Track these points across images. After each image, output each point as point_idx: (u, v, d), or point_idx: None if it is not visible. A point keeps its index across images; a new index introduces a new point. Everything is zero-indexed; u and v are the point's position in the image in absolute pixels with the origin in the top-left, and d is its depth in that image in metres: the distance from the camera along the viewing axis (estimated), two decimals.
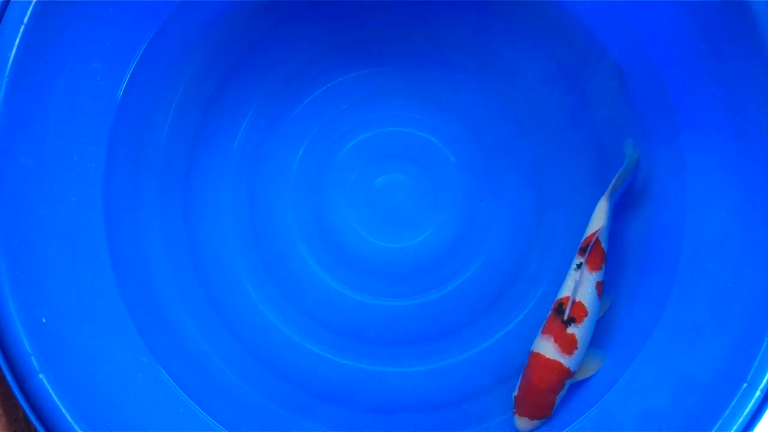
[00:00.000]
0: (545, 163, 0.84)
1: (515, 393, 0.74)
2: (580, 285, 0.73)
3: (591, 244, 0.74)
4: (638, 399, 0.69)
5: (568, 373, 0.72)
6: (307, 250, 0.85)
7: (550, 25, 0.80)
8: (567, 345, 0.72)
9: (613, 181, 0.75)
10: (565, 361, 0.72)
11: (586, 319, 0.73)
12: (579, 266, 0.74)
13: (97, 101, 0.71)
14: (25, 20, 0.61)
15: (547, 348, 0.72)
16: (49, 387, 0.60)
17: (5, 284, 0.60)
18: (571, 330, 0.72)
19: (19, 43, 0.60)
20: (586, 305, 0.73)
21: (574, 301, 0.73)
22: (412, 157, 0.86)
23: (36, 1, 0.61)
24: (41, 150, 0.65)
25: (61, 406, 0.60)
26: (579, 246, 0.76)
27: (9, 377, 0.60)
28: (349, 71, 0.86)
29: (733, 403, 0.60)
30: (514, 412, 0.74)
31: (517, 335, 0.82)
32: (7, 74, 0.60)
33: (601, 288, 0.75)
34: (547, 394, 0.72)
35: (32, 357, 0.60)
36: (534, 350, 0.74)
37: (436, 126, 0.87)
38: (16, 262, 0.62)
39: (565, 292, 0.74)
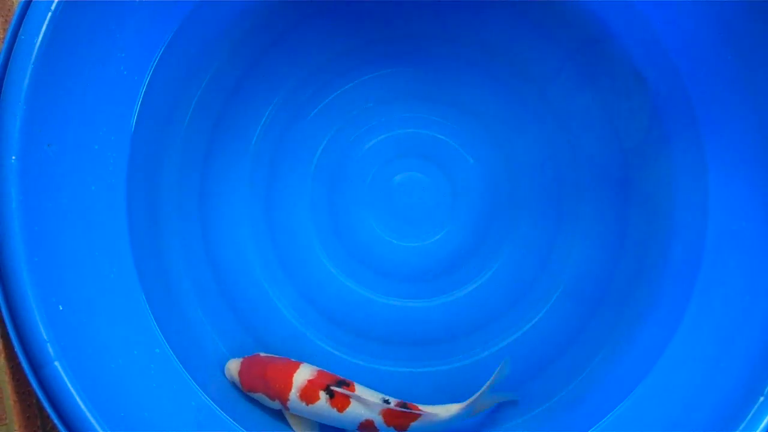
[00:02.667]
0: (566, 167, 0.84)
1: None
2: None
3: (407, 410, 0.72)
4: (653, 410, 0.69)
5: None
6: (322, 247, 0.86)
7: (574, 29, 0.80)
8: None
9: (476, 396, 0.73)
10: None
11: None
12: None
13: (121, 92, 0.71)
14: (53, 8, 0.61)
15: None
16: (63, 374, 0.60)
17: (24, 271, 0.60)
18: None
19: (45, 31, 0.60)
20: None
21: None
22: (431, 158, 0.86)
23: None
24: (64, 138, 0.65)
25: (74, 394, 0.60)
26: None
27: (24, 363, 0.60)
28: (369, 71, 0.86)
29: (749, 417, 0.60)
30: None
31: (533, 337, 0.81)
32: (33, 62, 0.60)
33: None
34: None
35: (48, 344, 0.60)
36: None
37: (456, 128, 0.87)
38: (35, 249, 0.61)
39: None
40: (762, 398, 0.60)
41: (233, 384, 0.77)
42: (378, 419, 0.72)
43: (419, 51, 0.86)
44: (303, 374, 0.74)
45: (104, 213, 0.70)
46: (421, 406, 0.73)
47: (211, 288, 0.81)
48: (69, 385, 0.60)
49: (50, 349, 0.60)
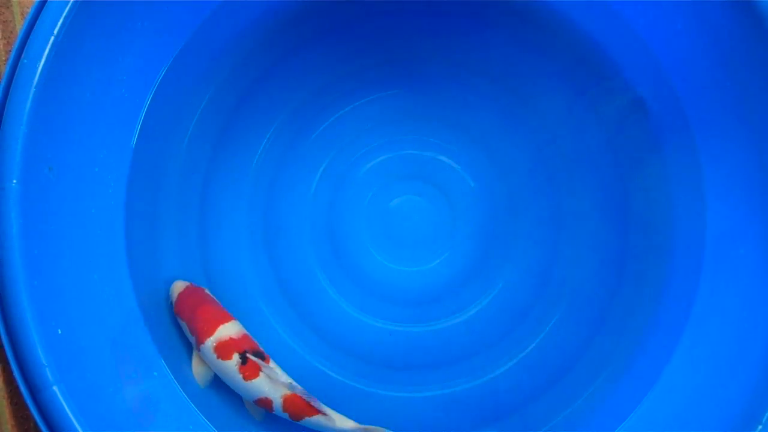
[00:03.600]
0: (565, 190, 0.84)
1: None
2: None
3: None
4: None
5: None
6: (321, 270, 0.86)
7: (573, 53, 0.80)
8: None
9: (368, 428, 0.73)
10: None
11: None
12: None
13: (121, 114, 0.71)
14: (55, 32, 0.61)
15: None
16: (62, 399, 0.60)
17: (23, 294, 0.60)
18: None
19: (47, 55, 0.61)
20: None
21: None
22: (431, 180, 0.86)
23: (65, 15, 0.61)
24: (65, 161, 0.65)
25: (72, 419, 0.60)
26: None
27: (22, 387, 0.60)
28: (369, 93, 0.87)
29: None
30: None
31: (533, 362, 0.81)
32: (34, 85, 0.60)
33: None
34: None
35: (47, 368, 0.60)
36: None
37: (456, 150, 0.87)
38: (35, 272, 0.61)
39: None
40: (760, 427, 0.60)
41: (170, 302, 0.77)
42: (277, 401, 0.72)
43: (419, 73, 0.86)
44: (228, 329, 0.74)
45: (103, 236, 0.70)
46: (323, 406, 0.72)
47: None
48: (67, 410, 0.60)
49: (49, 374, 0.60)
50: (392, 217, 0.86)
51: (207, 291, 0.78)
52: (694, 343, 0.71)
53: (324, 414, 0.72)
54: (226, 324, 0.74)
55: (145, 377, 0.70)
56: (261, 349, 0.75)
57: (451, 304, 0.85)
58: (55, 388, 0.60)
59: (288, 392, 0.72)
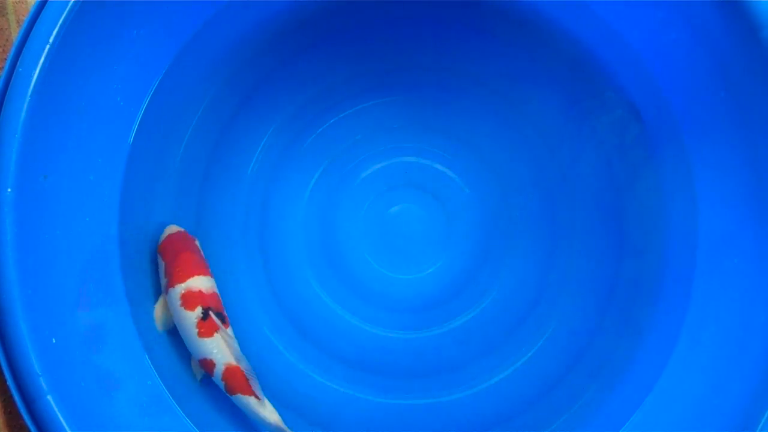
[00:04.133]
0: (560, 200, 0.84)
1: None
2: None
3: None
4: None
5: None
6: (315, 277, 0.85)
7: (568, 63, 0.80)
8: None
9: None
10: None
11: None
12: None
13: (117, 121, 0.71)
14: (50, 40, 0.61)
15: None
16: (56, 409, 0.60)
17: (17, 303, 0.60)
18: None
19: (42, 64, 0.60)
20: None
21: None
22: (427, 188, 0.86)
23: (61, 23, 0.61)
24: (60, 169, 0.65)
25: (67, 428, 0.60)
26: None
27: (17, 397, 0.60)
28: (365, 100, 0.87)
29: None
30: None
31: (526, 373, 0.81)
32: (29, 94, 0.60)
33: None
34: None
35: (41, 378, 0.60)
36: None
37: (452, 158, 0.87)
38: (29, 281, 0.61)
39: None
40: None
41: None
42: (219, 367, 0.71)
43: (416, 81, 0.86)
44: (201, 282, 0.74)
45: (98, 245, 0.70)
46: (259, 391, 0.71)
47: None
48: (62, 420, 0.60)
49: (43, 383, 0.60)
50: (388, 224, 0.86)
51: (197, 244, 0.78)
52: (688, 353, 0.71)
53: (257, 398, 0.71)
54: (201, 277, 0.74)
55: (138, 387, 0.70)
56: (225, 313, 0.75)
57: (445, 311, 0.85)
58: (49, 397, 0.60)
59: (233, 363, 0.71)
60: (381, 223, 0.86)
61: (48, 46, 0.61)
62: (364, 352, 0.84)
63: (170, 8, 0.70)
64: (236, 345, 0.73)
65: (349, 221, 0.86)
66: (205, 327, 0.72)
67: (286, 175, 0.86)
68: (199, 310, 0.72)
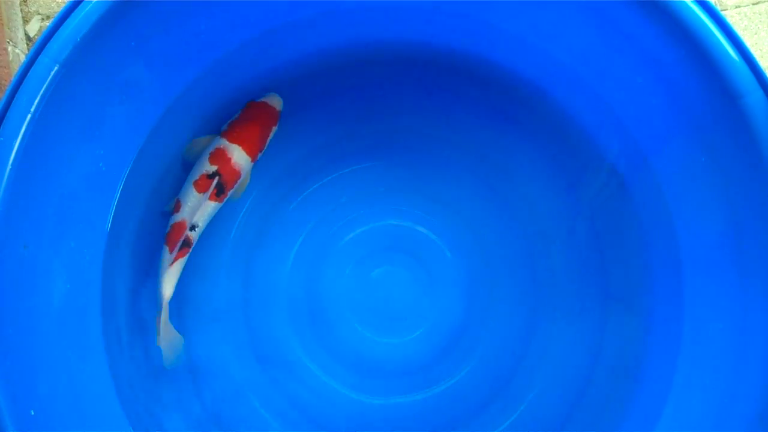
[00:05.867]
0: (542, 262, 0.84)
1: None
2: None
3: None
4: None
5: None
6: (300, 343, 0.85)
7: (550, 128, 0.81)
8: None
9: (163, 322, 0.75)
10: None
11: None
12: None
13: (99, 187, 0.71)
14: (32, 110, 0.60)
15: None
16: None
17: None
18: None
19: (24, 134, 0.60)
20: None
21: None
22: (409, 252, 0.86)
23: (44, 89, 0.61)
24: (41, 238, 0.64)
25: None
26: None
27: None
28: (350, 164, 0.87)
29: None
30: None
31: None
32: (10, 164, 0.60)
33: None
34: None
35: None
36: None
37: (434, 221, 0.87)
38: (7, 352, 0.60)
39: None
40: None
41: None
42: (174, 218, 0.77)
43: (400, 145, 0.87)
44: (237, 154, 0.77)
45: (78, 313, 0.69)
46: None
47: (188, 389, 0.79)
48: None
49: None
50: (372, 288, 0.86)
51: (274, 129, 0.80)
52: (675, 419, 0.70)
53: (172, 262, 0.75)
54: (245, 153, 0.78)
55: None
56: (229, 191, 0.78)
57: (429, 376, 0.84)
58: None
59: (187, 222, 0.76)
60: (365, 287, 0.86)
61: (29, 116, 0.60)
62: (349, 418, 0.83)
63: (152, 75, 0.70)
64: (209, 214, 0.77)
65: (333, 285, 0.86)
66: (204, 184, 0.76)
67: (269, 241, 0.86)
68: (213, 169, 0.76)
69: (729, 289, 0.67)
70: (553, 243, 0.84)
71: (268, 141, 0.81)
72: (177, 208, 0.77)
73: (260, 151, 0.80)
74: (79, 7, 0.61)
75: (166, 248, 0.77)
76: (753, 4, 1.04)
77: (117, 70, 0.67)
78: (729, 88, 0.62)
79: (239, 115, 0.80)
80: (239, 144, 0.78)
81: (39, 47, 0.61)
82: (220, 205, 0.78)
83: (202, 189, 0.77)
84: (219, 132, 0.79)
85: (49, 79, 0.60)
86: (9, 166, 0.60)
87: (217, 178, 0.77)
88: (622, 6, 0.63)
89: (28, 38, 0.99)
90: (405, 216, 0.87)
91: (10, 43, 0.95)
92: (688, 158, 0.69)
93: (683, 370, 0.71)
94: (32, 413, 0.61)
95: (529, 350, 0.83)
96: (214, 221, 0.81)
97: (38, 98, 0.60)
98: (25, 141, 0.60)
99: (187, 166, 0.79)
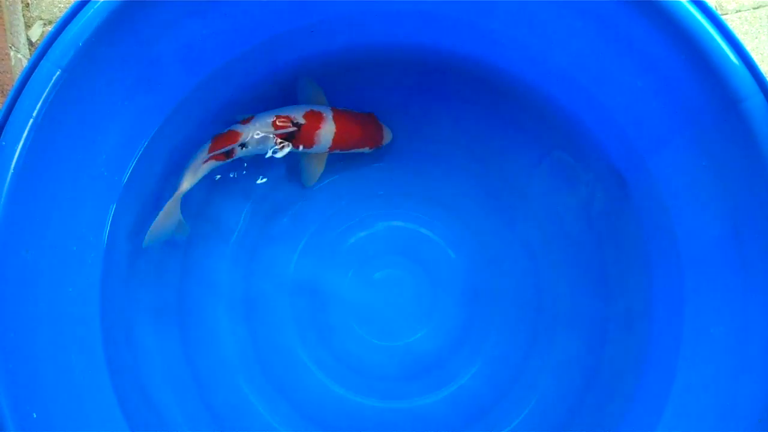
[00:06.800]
0: (545, 265, 0.84)
1: None
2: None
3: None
4: None
5: None
6: (303, 347, 0.85)
7: (552, 131, 0.81)
8: None
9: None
10: None
11: None
12: None
13: (100, 191, 0.71)
14: (34, 114, 0.61)
15: None
16: None
17: None
18: None
19: (26, 138, 0.60)
20: None
21: None
22: (412, 255, 0.86)
23: (46, 93, 0.61)
24: (42, 242, 0.65)
25: None
26: None
27: None
28: (351, 167, 0.87)
29: None
30: None
31: None
32: (12, 168, 0.60)
33: None
34: None
35: None
36: None
37: (437, 224, 0.87)
38: (9, 355, 0.61)
39: None
40: None
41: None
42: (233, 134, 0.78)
43: (403, 148, 0.87)
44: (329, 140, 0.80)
45: (80, 316, 0.70)
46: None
47: (190, 393, 0.80)
48: None
49: None
50: (374, 291, 0.86)
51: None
52: (677, 418, 0.70)
53: (202, 164, 0.76)
54: (328, 147, 0.80)
55: None
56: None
57: (431, 380, 0.84)
58: None
59: (240, 140, 0.77)
60: (367, 290, 0.86)
61: (32, 120, 0.60)
62: (354, 423, 0.83)
63: (154, 80, 0.70)
64: (262, 149, 0.79)
65: (335, 288, 0.86)
66: (282, 125, 0.77)
67: (271, 244, 0.86)
68: (300, 122, 0.78)
69: (729, 290, 0.67)
70: (555, 245, 0.84)
71: (351, 150, 0.82)
72: (245, 122, 0.78)
73: (340, 150, 0.82)
74: (81, 12, 0.61)
75: (208, 146, 0.78)
76: (753, 8, 1.04)
77: (119, 75, 0.67)
78: (729, 91, 0.62)
79: (360, 113, 0.82)
80: (336, 127, 0.80)
81: (41, 52, 0.61)
82: (276, 153, 0.79)
83: (276, 126, 0.78)
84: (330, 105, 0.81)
85: (51, 84, 0.61)
86: (11, 171, 0.60)
87: (295, 129, 0.78)
88: (622, 10, 0.64)
89: (31, 43, 1.00)
90: (408, 218, 0.87)
91: (13, 48, 0.95)
92: (688, 161, 0.69)
93: (684, 369, 0.70)
94: (34, 416, 0.62)
95: (531, 353, 0.83)
96: (217, 220, 0.81)
97: (40, 103, 0.61)
98: (27, 145, 0.61)
99: None
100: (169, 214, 0.77)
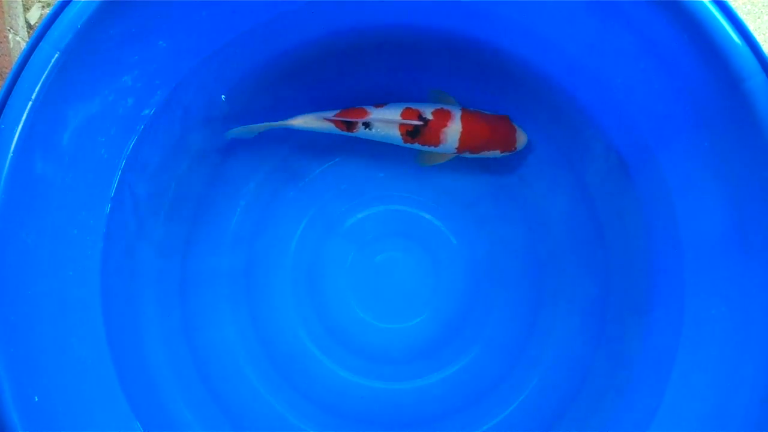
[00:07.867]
0: (545, 249, 0.84)
1: None
2: None
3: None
4: None
5: None
6: (304, 329, 0.85)
7: (554, 114, 0.81)
8: None
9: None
10: None
11: None
12: None
13: (100, 174, 0.71)
14: (33, 97, 0.60)
15: None
16: None
17: None
18: None
19: (25, 118, 0.60)
20: None
21: None
22: (413, 237, 0.86)
23: (45, 76, 0.61)
24: (42, 225, 0.65)
25: None
26: None
27: None
28: (355, 148, 0.86)
29: None
30: None
31: (513, 422, 0.81)
32: (11, 152, 0.60)
33: None
34: None
35: None
36: None
37: (438, 207, 0.87)
38: (10, 338, 0.61)
39: None
40: None
41: None
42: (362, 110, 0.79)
43: None
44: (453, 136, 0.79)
45: (81, 299, 0.70)
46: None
47: (191, 376, 0.80)
48: None
49: None
50: (374, 273, 0.85)
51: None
52: (674, 409, 0.70)
53: (322, 120, 0.78)
54: (455, 148, 0.80)
55: None
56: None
57: (432, 361, 0.84)
58: None
59: (365, 117, 0.78)
60: (367, 272, 0.86)
61: (30, 103, 0.60)
62: (353, 403, 0.83)
63: (157, 58, 0.70)
64: (384, 136, 0.79)
65: (336, 270, 0.86)
66: (409, 117, 0.77)
67: (271, 226, 0.86)
68: (428, 118, 0.78)
69: (731, 274, 0.67)
70: (556, 229, 0.84)
71: (481, 154, 0.81)
72: (379, 106, 0.79)
73: (469, 151, 0.81)
74: None
75: (334, 112, 0.79)
76: None
77: (118, 58, 0.66)
78: (731, 72, 0.61)
79: (493, 114, 0.81)
80: (463, 127, 0.79)
81: (39, 34, 0.61)
82: (393, 141, 0.80)
83: (404, 116, 0.78)
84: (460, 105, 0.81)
85: (49, 67, 0.60)
86: (11, 153, 0.60)
87: (421, 124, 0.78)
88: None
89: (29, 26, 0.99)
90: (409, 202, 0.87)
91: (11, 30, 0.95)
92: (690, 142, 0.69)
93: (685, 350, 0.71)
94: (36, 399, 0.62)
95: (532, 336, 0.83)
96: (217, 203, 0.81)
97: (39, 85, 0.60)
98: (27, 128, 0.60)
99: None
100: (266, 126, 0.78)
